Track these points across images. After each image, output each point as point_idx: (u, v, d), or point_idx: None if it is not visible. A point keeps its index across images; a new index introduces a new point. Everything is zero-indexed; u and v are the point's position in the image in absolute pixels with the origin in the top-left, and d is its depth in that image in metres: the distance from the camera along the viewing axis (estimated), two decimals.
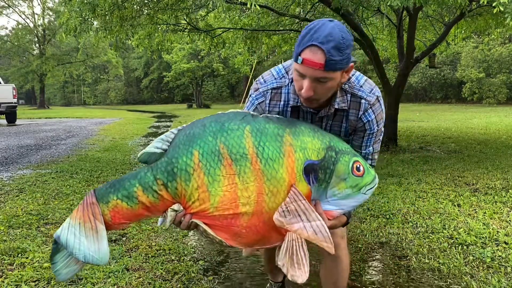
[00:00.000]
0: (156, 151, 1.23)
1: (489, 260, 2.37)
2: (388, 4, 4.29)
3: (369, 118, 1.41)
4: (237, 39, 8.63)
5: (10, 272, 2.26)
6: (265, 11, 7.44)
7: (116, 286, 2.12)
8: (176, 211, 1.21)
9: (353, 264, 2.43)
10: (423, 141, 8.08)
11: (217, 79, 42.58)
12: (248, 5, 4.22)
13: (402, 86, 7.15)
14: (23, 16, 48.00)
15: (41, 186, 4.34)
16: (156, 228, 3.01)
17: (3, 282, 2.13)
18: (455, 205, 3.48)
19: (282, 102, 1.42)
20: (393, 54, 9.54)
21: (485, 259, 2.39)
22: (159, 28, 7.71)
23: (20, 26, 40.15)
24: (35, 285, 2.13)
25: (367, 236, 2.86)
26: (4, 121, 14.93)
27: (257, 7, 4.38)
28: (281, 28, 7.96)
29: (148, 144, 1.31)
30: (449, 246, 2.61)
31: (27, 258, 2.44)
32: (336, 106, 1.38)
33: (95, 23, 6.61)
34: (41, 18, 38.91)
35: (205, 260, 2.54)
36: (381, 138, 1.49)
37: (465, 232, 2.81)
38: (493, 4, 3.76)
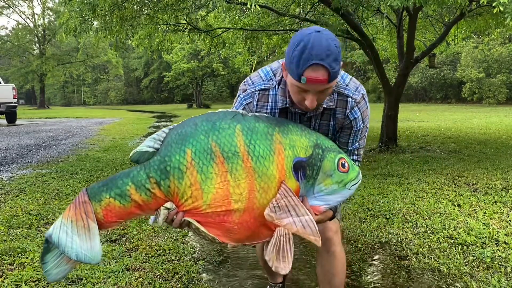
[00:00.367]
0: (148, 150, 1.24)
1: (489, 260, 2.37)
2: (388, 4, 4.28)
3: (356, 116, 1.46)
4: (237, 39, 8.63)
5: (10, 272, 2.26)
6: (265, 11, 7.44)
7: (116, 286, 2.12)
8: (168, 209, 1.22)
9: (353, 264, 2.44)
10: (423, 141, 8.08)
11: (217, 79, 42.59)
12: (248, 5, 4.21)
13: (402, 86, 7.15)
14: (23, 16, 48.19)
15: (41, 186, 4.34)
16: (156, 228, 3.01)
17: (3, 282, 2.13)
18: (455, 205, 3.48)
19: (269, 104, 1.45)
20: (393, 54, 9.53)
21: (485, 259, 2.39)
22: (159, 28, 7.71)
23: (20, 26, 40.21)
24: (35, 285, 2.13)
25: (367, 236, 2.86)
26: (4, 121, 14.93)
27: (257, 7, 4.37)
28: (281, 28, 7.96)
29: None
30: (449, 246, 2.61)
31: (27, 258, 2.44)
32: (324, 106, 1.42)
33: (95, 23, 6.61)
34: (41, 18, 38.94)
35: (205, 260, 2.54)
36: (366, 135, 1.55)
37: (465, 232, 2.81)
38: (493, 4, 3.75)
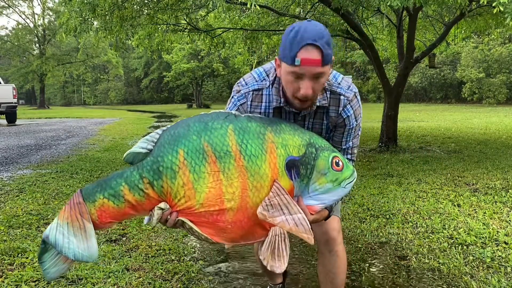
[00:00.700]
0: (141, 151, 1.25)
1: (489, 260, 2.37)
2: (388, 4, 4.28)
3: (348, 114, 1.48)
4: (237, 39, 8.63)
5: (10, 272, 2.26)
6: (265, 11, 7.44)
7: (116, 286, 2.12)
8: (162, 209, 1.23)
9: (353, 264, 2.44)
10: (423, 141, 8.08)
11: (217, 79, 42.58)
12: (248, 5, 4.21)
13: (402, 86, 7.15)
14: (23, 16, 48.27)
15: (41, 186, 4.34)
16: (156, 228, 3.01)
17: (3, 282, 2.13)
18: (455, 205, 3.48)
19: (263, 104, 1.47)
20: (393, 54, 9.54)
21: (485, 259, 2.39)
22: (159, 28, 7.71)
23: (20, 26, 40.23)
24: (35, 285, 2.13)
25: (367, 236, 2.86)
26: (4, 121, 14.93)
27: (257, 7, 4.37)
28: (281, 28, 7.95)
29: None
30: (449, 246, 2.61)
31: (27, 258, 2.44)
32: (318, 104, 1.44)
33: (95, 23, 6.61)
34: (41, 18, 38.95)
35: (205, 260, 2.54)
36: (359, 133, 1.56)
37: (465, 232, 2.81)
38: (493, 4, 3.75)
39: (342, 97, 1.46)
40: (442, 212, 3.28)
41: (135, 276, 2.23)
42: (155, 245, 2.70)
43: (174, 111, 28.43)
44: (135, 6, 6.34)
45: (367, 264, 2.45)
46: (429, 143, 7.77)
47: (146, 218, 1.27)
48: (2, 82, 15.00)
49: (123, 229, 3.00)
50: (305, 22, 1.28)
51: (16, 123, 14.81)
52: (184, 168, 1.21)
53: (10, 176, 4.96)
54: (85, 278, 2.18)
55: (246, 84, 1.48)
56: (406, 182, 4.40)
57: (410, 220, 3.14)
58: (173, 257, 2.51)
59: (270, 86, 1.46)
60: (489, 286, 2.08)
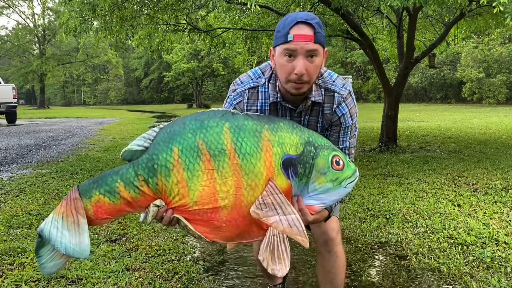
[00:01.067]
0: (137, 148, 1.26)
1: (489, 260, 2.37)
2: (388, 4, 4.28)
3: (343, 112, 1.48)
4: (237, 39, 8.63)
5: (10, 272, 2.26)
6: (265, 11, 7.44)
7: (116, 286, 2.12)
8: (158, 206, 1.23)
9: (353, 264, 2.44)
10: (423, 141, 8.08)
11: (217, 79, 42.57)
12: (248, 5, 4.21)
13: (402, 86, 7.15)
14: (23, 16, 48.17)
15: (41, 186, 4.34)
16: (156, 228, 3.01)
17: (3, 282, 2.13)
18: (455, 205, 3.48)
19: (259, 101, 1.48)
20: (393, 54, 9.53)
21: (485, 259, 2.39)
22: (159, 28, 7.71)
23: (20, 26, 40.23)
24: (35, 285, 2.13)
25: (367, 236, 2.86)
26: (4, 121, 14.93)
27: (257, 7, 4.37)
28: None
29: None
30: (449, 246, 2.61)
31: (27, 258, 2.44)
32: (313, 99, 1.45)
33: (95, 23, 6.61)
34: (41, 18, 38.95)
35: (205, 260, 2.54)
36: (356, 134, 1.56)
37: (465, 232, 2.81)
38: (493, 4, 3.75)
39: (336, 94, 1.47)
40: (442, 212, 3.28)
41: (135, 276, 2.23)
42: (155, 245, 2.70)
43: (174, 111, 28.43)
44: (135, 6, 6.34)
45: (367, 264, 2.45)
46: (429, 143, 7.77)
47: (142, 215, 1.27)
48: (2, 82, 15.00)
49: (123, 229, 3.00)
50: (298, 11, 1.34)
51: (16, 123, 14.81)
52: (178, 166, 1.21)
53: (10, 176, 4.96)
54: (85, 278, 2.18)
55: (242, 83, 1.50)
56: (406, 182, 4.40)
57: (410, 220, 3.14)
58: (173, 257, 2.51)
59: (266, 83, 1.47)
60: (489, 286, 2.08)
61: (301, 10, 8.31)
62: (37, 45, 39.48)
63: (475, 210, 3.34)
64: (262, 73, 1.50)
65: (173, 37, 8.27)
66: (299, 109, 1.47)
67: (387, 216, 3.24)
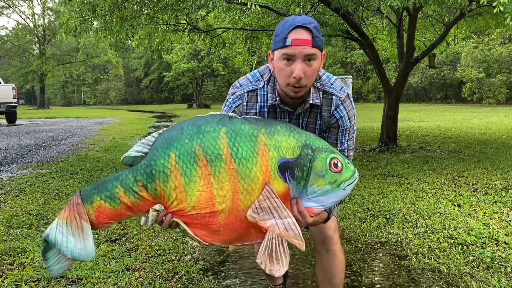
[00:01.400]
0: (136, 154, 1.28)
1: (489, 260, 2.37)
2: (388, 4, 4.28)
3: (341, 114, 1.49)
4: (237, 39, 8.63)
5: (10, 272, 2.26)
6: (265, 11, 7.44)
7: (116, 286, 2.12)
8: (157, 211, 1.26)
9: (353, 264, 2.44)
10: (423, 141, 8.08)
11: (217, 79, 42.58)
12: (248, 5, 4.21)
13: (402, 86, 7.15)
14: (23, 16, 48.17)
15: (41, 186, 4.34)
16: (156, 228, 3.01)
17: (3, 282, 2.13)
18: (455, 205, 3.48)
19: (259, 104, 1.49)
20: (393, 54, 9.53)
21: (485, 259, 2.39)
22: (159, 28, 7.71)
23: (20, 26, 40.21)
24: (35, 285, 2.13)
25: (367, 236, 2.86)
26: (4, 121, 14.93)
27: (257, 7, 4.37)
28: None
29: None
30: (449, 246, 2.61)
31: (27, 258, 2.44)
32: (311, 101, 1.45)
33: (95, 23, 6.61)
34: (41, 18, 38.94)
35: (205, 260, 2.54)
36: (354, 136, 1.57)
37: (465, 232, 2.81)
38: (493, 4, 3.75)
39: (334, 97, 1.48)
40: (442, 212, 3.28)
41: (135, 276, 2.24)
42: (155, 245, 2.70)
43: (174, 111, 28.43)
44: (135, 6, 6.34)
45: (367, 264, 2.45)
46: (429, 143, 7.77)
47: (143, 219, 1.30)
48: (2, 82, 15.00)
49: (123, 229, 3.00)
50: (296, 15, 1.34)
51: (16, 123, 14.82)
52: (176, 171, 1.23)
53: (10, 176, 4.96)
54: (85, 278, 2.18)
55: (241, 86, 1.51)
56: (406, 182, 4.40)
57: (410, 220, 3.14)
58: (173, 257, 2.51)
59: (265, 86, 1.48)
60: (489, 286, 2.08)
61: (301, 10, 8.32)
62: (37, 45, 39.47)
63: (475, 210, 3.34)
64: (261, 76, 1.51)
65: (173, 37, 8.27)
66: (298, 111, 1.48)
67: (387, 216, 3.24)
